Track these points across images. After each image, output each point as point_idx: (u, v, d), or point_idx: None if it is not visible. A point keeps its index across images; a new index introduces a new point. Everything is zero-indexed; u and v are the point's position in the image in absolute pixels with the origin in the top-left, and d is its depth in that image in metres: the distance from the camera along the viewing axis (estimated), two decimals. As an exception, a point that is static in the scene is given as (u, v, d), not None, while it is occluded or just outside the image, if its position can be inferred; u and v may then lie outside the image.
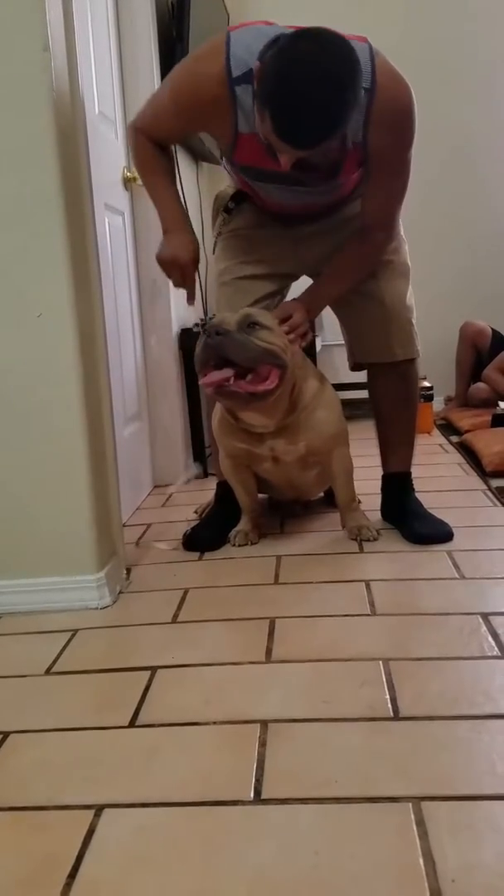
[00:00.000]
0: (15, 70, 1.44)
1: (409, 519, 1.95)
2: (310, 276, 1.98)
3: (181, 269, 1.76)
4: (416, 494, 2.05)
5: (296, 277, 2.02)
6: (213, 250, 2.03)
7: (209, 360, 1.65)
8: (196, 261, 1.77)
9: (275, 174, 1.65)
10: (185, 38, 2.63)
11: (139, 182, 2.49)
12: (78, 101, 1.60)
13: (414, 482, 2.07)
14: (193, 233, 1.79)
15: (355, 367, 2.04)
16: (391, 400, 2.00)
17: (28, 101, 1.44)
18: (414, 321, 1.97)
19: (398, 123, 1.58)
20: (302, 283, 1.96)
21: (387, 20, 3.62)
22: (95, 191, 1.73)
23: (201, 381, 1.68)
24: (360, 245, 1.81)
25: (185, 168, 2.84)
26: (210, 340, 1.63)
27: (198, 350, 1.67)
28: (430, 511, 1.99)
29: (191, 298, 1.83)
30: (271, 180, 1.72)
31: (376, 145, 1.59)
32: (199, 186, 3.26)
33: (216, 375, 1.63)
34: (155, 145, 1.75)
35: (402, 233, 1.93)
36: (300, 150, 1.45)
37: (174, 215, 1.77)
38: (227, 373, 1.63)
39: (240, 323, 1.66)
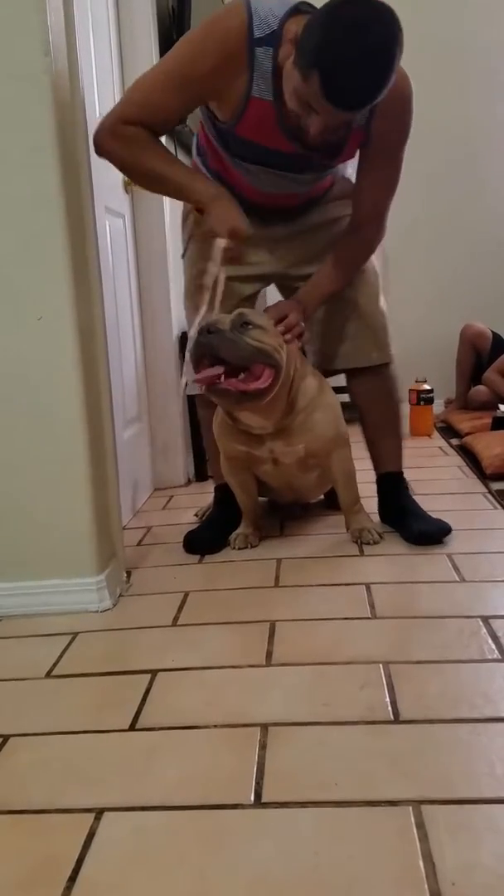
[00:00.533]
0: (16, 74, 1.44)
1: (407, 518, 1.96)
2: (284, 279, 1.99)
3: (241, 240, 1.67)
4: (417, 497, 2.05)
5: (272, 280, 2.04)
6: (183, 253, 2.03)
7: (202, 358, 1.66)
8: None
9: (271, 153, 1.68)
10: (185, 41, 2.64)
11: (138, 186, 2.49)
12: (79, 104, 1.60)
13: (414, 485, 2.07)
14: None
15: (326, 373, 2.03)
16: (373, 404, 2.03)
17: (29, 104, 1.45)
18: (388, 325, 2.00)
19: (400, 111, 1.63)
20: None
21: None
22: (96, 194, 1.73)
23: (194, 378, 1.69)
24: (353, 241, 1.85)
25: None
26: (202, 338, 1.64)
27: (190, 347, 1.68)
28: (428, 513, 1.99)
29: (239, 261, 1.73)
30: (265, 161, 1.72)
31: (379, 131, 1.63)
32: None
33: (208, 373, 1.64)
34: (136, 132, 1.63)
35: None
36: (344, 110, 1.48)
37: (212, 184, 1.69)
38: (218, 370, 1.64)
39: (233, 322, 1.67)
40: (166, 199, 2.61)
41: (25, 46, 1.43)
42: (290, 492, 2.07)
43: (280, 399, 1.75)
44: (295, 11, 1.54)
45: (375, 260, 2.00)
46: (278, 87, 1.57)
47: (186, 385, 1.99)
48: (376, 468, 2.07)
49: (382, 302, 2.00)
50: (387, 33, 1.40)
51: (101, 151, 1.66)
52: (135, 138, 1.63)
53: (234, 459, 1.93)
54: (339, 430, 1.90)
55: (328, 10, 1.42)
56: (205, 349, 1.64)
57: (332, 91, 1.43)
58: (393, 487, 2.06)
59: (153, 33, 2.52)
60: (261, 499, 2.10)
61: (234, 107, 1.63)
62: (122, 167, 1.73)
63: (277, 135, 1.63)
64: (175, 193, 1.76)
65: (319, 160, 1.72)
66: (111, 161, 1.69)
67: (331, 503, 2.20)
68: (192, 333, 1.71)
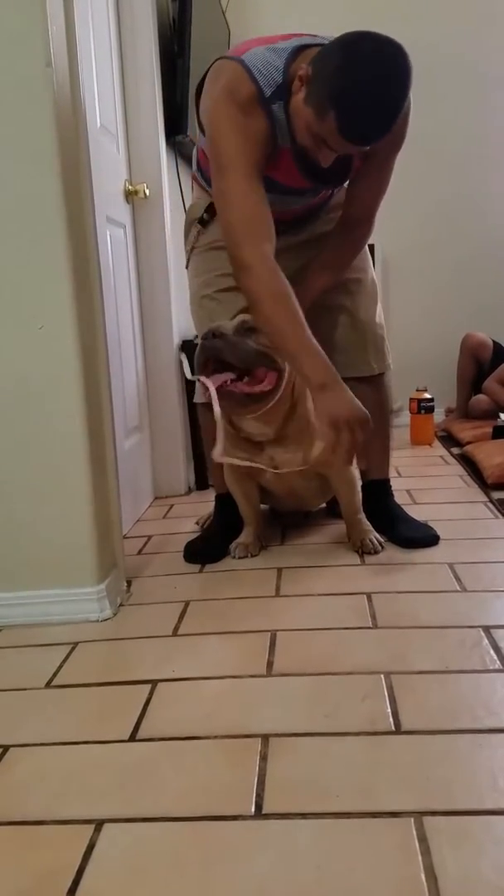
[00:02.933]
0: (18, 85, 1.45)
1: (395, 523, 2.01)
2: None
3: (362, 428, 1.54)
4: (418, 506, 2.06)
5: None
6: (187, 265, 2.04)
7: (207, 362, 1.68)
8: None
9: (285, 186, 1.73)
10: (185, 52, 2.65)
11: (140, 195, 2.51)
12: (80, 114, 1.60)
13: (415, 493, 2.07)
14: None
15: None
16: (368, 411, 2.03)
17: (31, 115, 1.45)
18: (385, 336, 2.04)
19: (401, 124, 1.64)
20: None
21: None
22: (97, 204, 1.74)
23: (200, 378, 1.70)
24: (344, 241, 1.88)
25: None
26: (207, 343, 1.65)
27: (196, 353, 1.69)
28: (426, 521, 2.02)
29: (350, 460, 1.60)
30: (276, 190, 1.74)
31: (379, 144, 1.64)
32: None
33: (217, 379, 1.66)
34: (273, 263, 1.56)
35: (368, 252, 2.01)
36: (361, 145, 1.53)
37: (327, 364, 1.55)
38: (225, 376, 1.66)
39: (237, 328, 1.68)
40: (167, 209, 2.62)
41: (27, 57, 1.44)
42: (292, 499, 2.07)
43: (282, 403, 1.76)
44: (297, 52, 1.57)
45: (373, 273, 2.03)
46: (291, 130, 1.61)
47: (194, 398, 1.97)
48: (364, 475, 2.10)
49: (380, 313, 2.04)
50: (401, 73, 1.43)
51: (247, 283, 1.57)
52: (263, 271, 1.56)
53: (237, 468, 1.93)
54: None
55: (343, 47, 1.44)
56: (210, 353, 1.66)
57: (349, 130, 1.47)
58: (381, 494, 2.10)
59: (154, 44, 2.54)
60: (262, 507, 2.10)
61: (271, 156, 1.66)
62: (255, 300, 1.59)
63: (296, 174, 1.69)
64: (287, 356, 1.64)
65: (325, 185, 1.78)
66: (253, 299, 1.58)
67: (332, 510, 2.20)
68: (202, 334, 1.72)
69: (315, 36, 1.60)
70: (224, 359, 1.65)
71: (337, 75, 1.43)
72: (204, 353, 1.67)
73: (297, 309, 1.56)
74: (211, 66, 1.64)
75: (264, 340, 1.68)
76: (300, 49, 1.57)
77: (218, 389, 1.65)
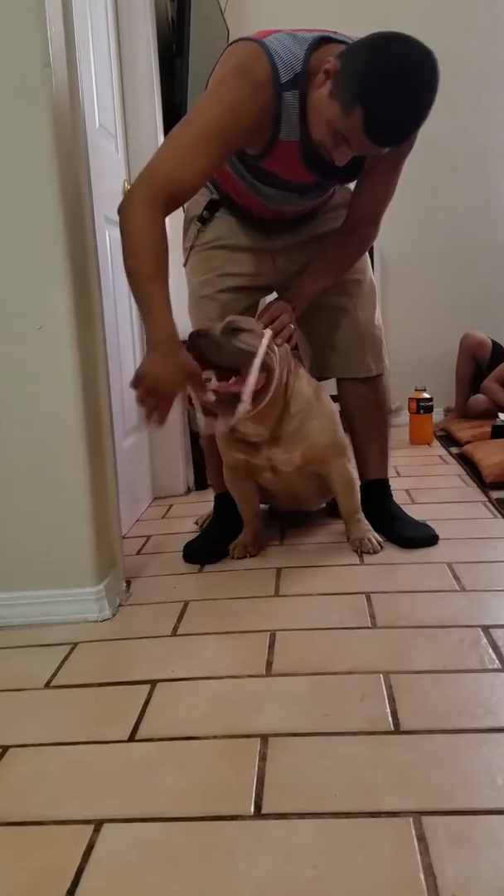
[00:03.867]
0: (16, 85, 1.45)
1: (394, 523, 2.01)
2: (284, 290, 2.00)
3: (168, 396, 1.47)
4: (417, 505, 2.06)
5: (271, 290, 2.06)
6: (185, 263, 2.03)
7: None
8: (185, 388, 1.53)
9: (290, 182, 1.71)
10: (184, 52, 2.65)
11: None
12: (79, 114, 1.61)
13: (414, 493, 2.08)
14: (188, 355, 1.54)
15: (321, 379, 2.06)
16: (365, 412, 2.08)
17: (29, 115, 1.45)
18: (383, 338, 2.05)
19: None
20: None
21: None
22: (96, 203, 1.74)
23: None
24: (348, 241, 1.86)
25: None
26: (191, 343, 1.63)
27: None
28: (425, 521, 2.03)
29: (159, 424, 1.50)
30: (281, 186, 1.73)
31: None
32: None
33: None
34: (161, 220, 1.51)
35: (366, 254, 2.01)
36: (382, 147, 1.52)
37: (170, 328, 1.48)
38: (208, 374, 1.61)
39: (223, 328, 1.68)
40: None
41: (25, 58, 1.44)
42: (291, 499, 2.07)
43: (275, 404, 1.75)
44: (319, 43, 1.54)
45: (371, 274, 2.03)
46: (304, 124, 1.58)
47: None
48: (363, 474, 2.10)
49: (378, 315, 2.04)
50: (432, 78, 1.43)
51: (124, 221, 1.50)
52: (146, 224, 1.49)
53: (235, 468, 1.93)
54: (335, 437, 1.90)
55: (376, 46, 1.43)
56: (194, 353, 1.61)
57: (375, 129, 1.46)
58: (380, 493, 2.10)
59: (152, 44, 2.54)
60: (262, 506, 2.10)
61: (261, 148, 1.64)
62: (127, 246, 1.51)
63: (300, 169, 1.67)
64: (139, 304, 1.53)
65: (338, 185, 1.77)
66: (123, 235, 1.51)
67: (332, 510, 2.20)
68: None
69: (337, 33, 1.58)
70: (209, 358, 1.63)
71: (368, 73, 1.42)
72: (189, 353, 1.64)
73: (162, 266, 1.48)
74: (227, 47, 1.60)
75: (251, 340, 1.68)
76: (322, 41, 1.55)
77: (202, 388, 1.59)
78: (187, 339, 1.66)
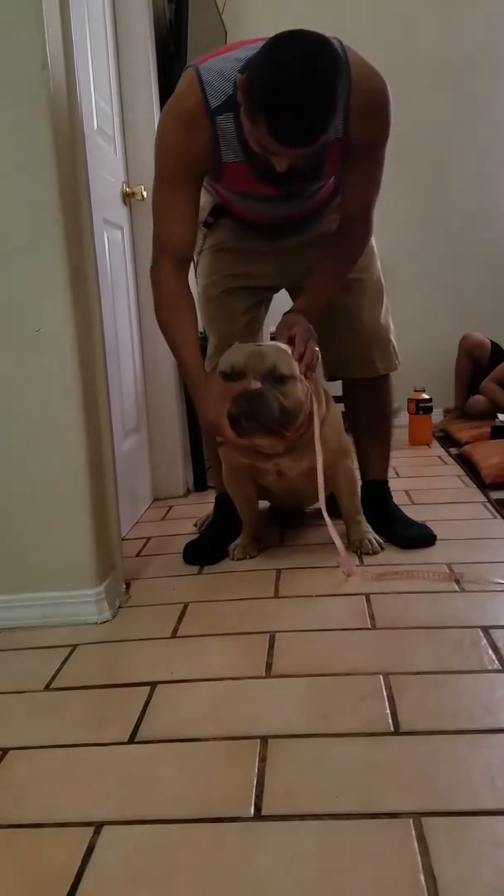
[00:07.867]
0: (14, 87, 1.45)
1: (393, 524, 2.01)
2: (290, 289, 2.02)
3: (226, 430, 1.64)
4: (417, 506, 2.06)
5: (277, 290, 2.07)
6: (195, 266, 2.04)
7: (239, 420, 1.63)
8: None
9: (258, 196, 1.72)
10: (182, 53, 2.65)
11: (138, 197, 2.51)
12: (77, 117, 1.61)
13: (413, 494, 2.08)
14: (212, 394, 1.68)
15: (331, 377, 2.08)
16: (370, 412, 2.07)
17: (27, 117, 1.45)
18: (393, 337, 2.03)
19: (377, 112, 1.61)
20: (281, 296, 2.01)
21: (381, 31, 3.65)
22: (94, 205, 1.74)
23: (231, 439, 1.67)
24: (344, 242, 1.84)
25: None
26: (243, 405, 1.62)
27: (230, 408, 1.62)
28: (424, 522, 2.03)
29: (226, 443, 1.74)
30: (257, 199, 1.76)
31: (358, 136, 1.62)
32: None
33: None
34: (179, 275, 1.71)
35: (375, 250, 1.99)
36: (297, 148, 1.47)
37: (191, 369, 1.72)
38: (249, 426, 1.65)
39: (265, 376, 1.64)
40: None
41: (23, 59, 1.44)
42: (291, 499, 2.07)
43: (298, 428, 1.75)
44: (248, 65, 1.51)
45: (378, 272, 2.01)
46: (246, 143, 1.57)
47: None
48: (363, 475, 2.10)
49: (386, 314, 2.02)
50: (325, 67, 1.39)
51: (151, 282, 1.73)
52: (165, 283, 1.71)
53: (236, 470, 1.93)
54: (340, 441, 1.91)
55: (266, 52, 1.41)
56: (244, 412, 1.62)
57: (279, 133, 1.43)
58: (380, 494, 2.10)
59: (150, 46, 2.54)
60: (262, 505, 2.10)
61: (212, 172, 1.68)
62: (154, 302, 1.75)
63: (257, 184, 1.68)
64: (177, 359, 1.79)
65: (304, 188, 1.74)
66: (155, 300, 1.74)
67: (332, 510, 2.19)
68: (223, 366, 1.70)
69: None
70: (257, 418, 1.63)
71: (262, 79, 1.40)
72: (238, 411, 1.62)
73: (189, 321, 1.73)
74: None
75: (292, 390, 1.66)
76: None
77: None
78: (231, 403, 1.62)
